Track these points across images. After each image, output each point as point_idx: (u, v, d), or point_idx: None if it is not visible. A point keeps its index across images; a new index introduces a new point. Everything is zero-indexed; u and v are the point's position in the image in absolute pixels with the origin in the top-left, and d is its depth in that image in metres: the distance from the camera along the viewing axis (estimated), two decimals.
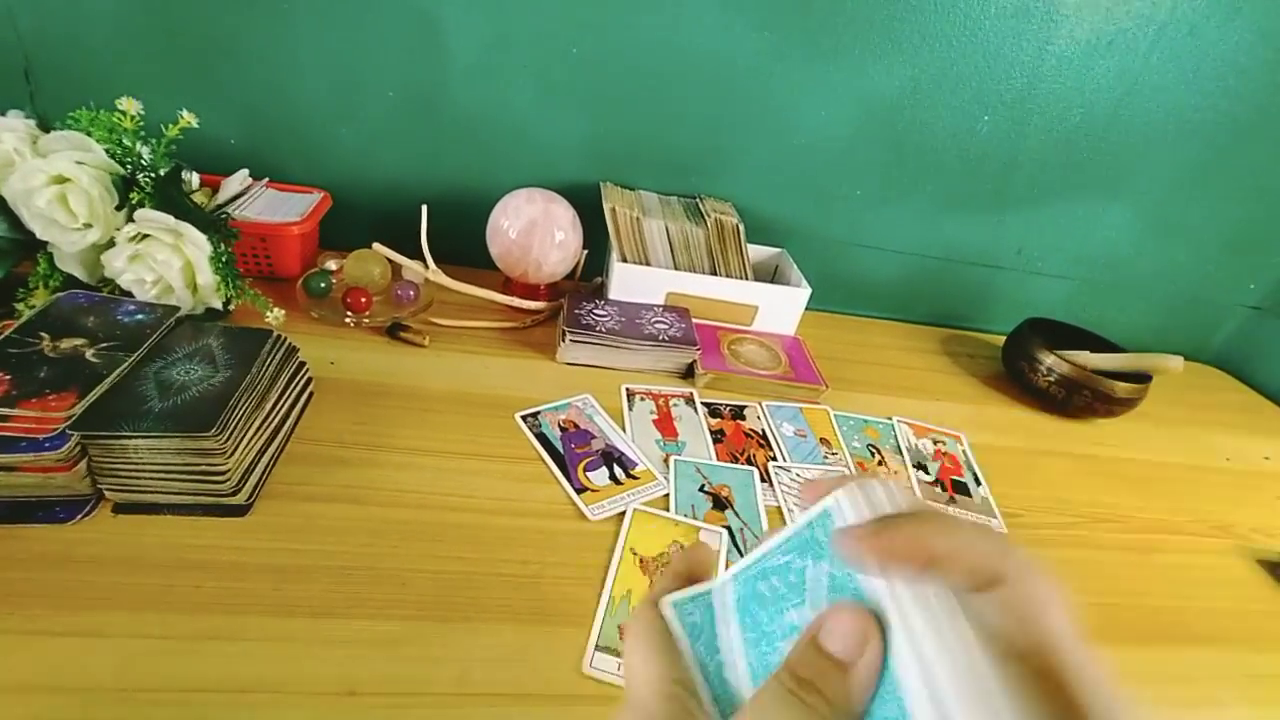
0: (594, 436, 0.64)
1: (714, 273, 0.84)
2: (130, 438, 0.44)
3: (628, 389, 0.71)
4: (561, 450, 0.61)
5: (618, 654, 0.45)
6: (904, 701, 0.15)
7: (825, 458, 0.68)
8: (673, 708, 0.18)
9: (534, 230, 0.76)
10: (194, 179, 0.72)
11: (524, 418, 0.64)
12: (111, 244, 0.60)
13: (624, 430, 0.66)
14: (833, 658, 0.16)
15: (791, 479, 0.64)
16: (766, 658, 0.19)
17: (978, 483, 0.70)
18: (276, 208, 0.77)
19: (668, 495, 0.59)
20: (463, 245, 0.82)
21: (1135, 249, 1.02)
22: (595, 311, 0.77)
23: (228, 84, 0.77)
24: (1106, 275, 1.05)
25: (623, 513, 0.56)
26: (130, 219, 0.60)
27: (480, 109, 0.82)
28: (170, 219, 0.60)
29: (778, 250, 0.93)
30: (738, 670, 0.19)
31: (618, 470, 0.60)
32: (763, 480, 0.63)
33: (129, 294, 0.61)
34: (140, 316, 0.55)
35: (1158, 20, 0.82)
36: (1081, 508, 0.70)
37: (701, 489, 0.60)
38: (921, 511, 0.17)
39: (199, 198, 0.70)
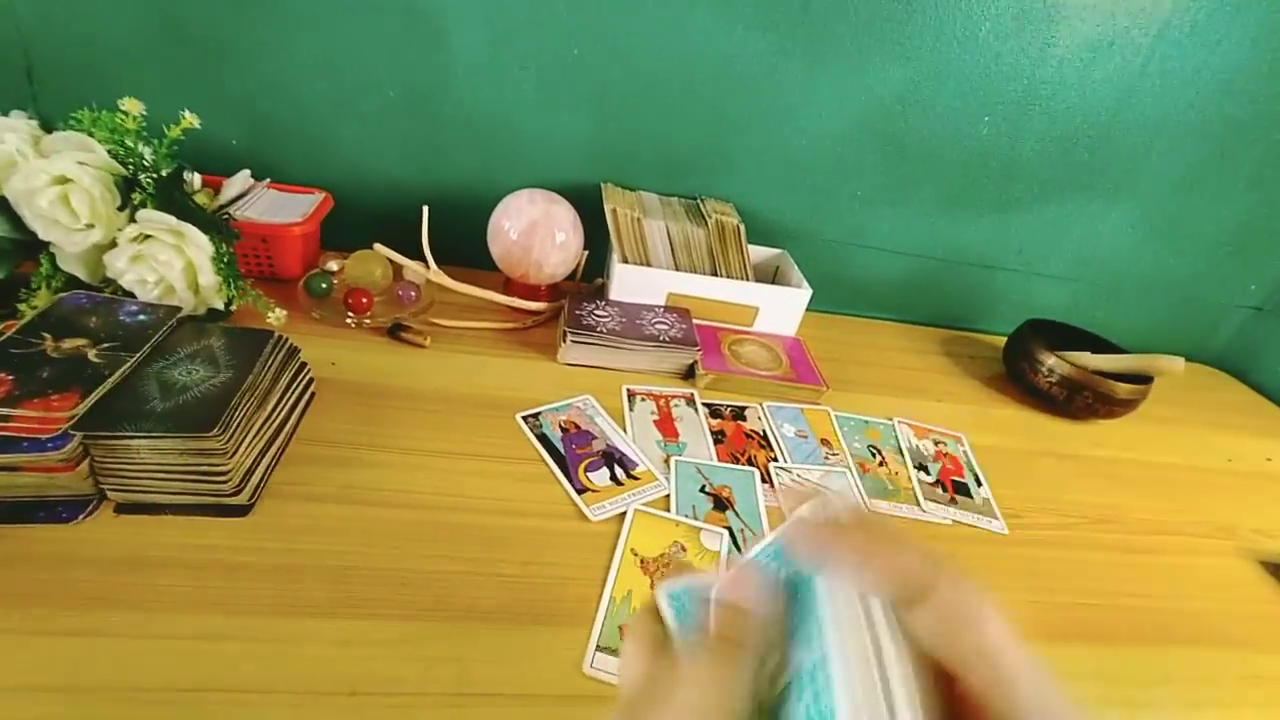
0: (595, 437, 0.64)
1: (715, 273, 0.84)
2: (132, 438, 0.44)
3: (629, 389, 0.71)
4: (562, 451, 0.61)
5: (618, 654, 0.45)
6: (832, 703, 0.16)
7: (826, 458, 0.68)
8: (650, 689, 0.20)
9: (535, 231, 0.77)
10: (196, 179, 0.72)
11: (525, 418, 0.64)
12: (113, 244, 0.60)
13: (625, 431, 0.66)
14: (730, 604, 0.20)
15: (793, 480, 0.64)
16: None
17: (978, 483, 0.70)
18: (278, 208, 0.77)
19: (668, 496, 0.59)
20: (464, 246, 0.82)
21: (1136, 250, 1.02)
22: (596, 312, 0.77)
23: (230, 85, 0.77)
24: (1107, 276, 1.05)
25: (623, 513, 0.56)
26: (132, 219, 0.60)
27: (482, 110, 0.82)
28: (172, 219, 0.60)
29: (778, 251, 0.93)
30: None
31: (618, 471, 0.60)
32: (764, 481, 0.63)
33: (131, 294, 0.61)
34: (142, 317, 0.55)
35: (1158, 21, 0.82)
36: (1082, 509, 0.70)
37: (702, 490, 0.60)
38: (872, 522, 0.20)
39: (201, 198, 0.70)
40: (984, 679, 0.16)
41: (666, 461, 0.63)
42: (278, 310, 0.67)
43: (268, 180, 0.81)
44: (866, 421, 0.76)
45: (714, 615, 0.20)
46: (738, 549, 0.55)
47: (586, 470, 0.59)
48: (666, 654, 0.21)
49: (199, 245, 0.61)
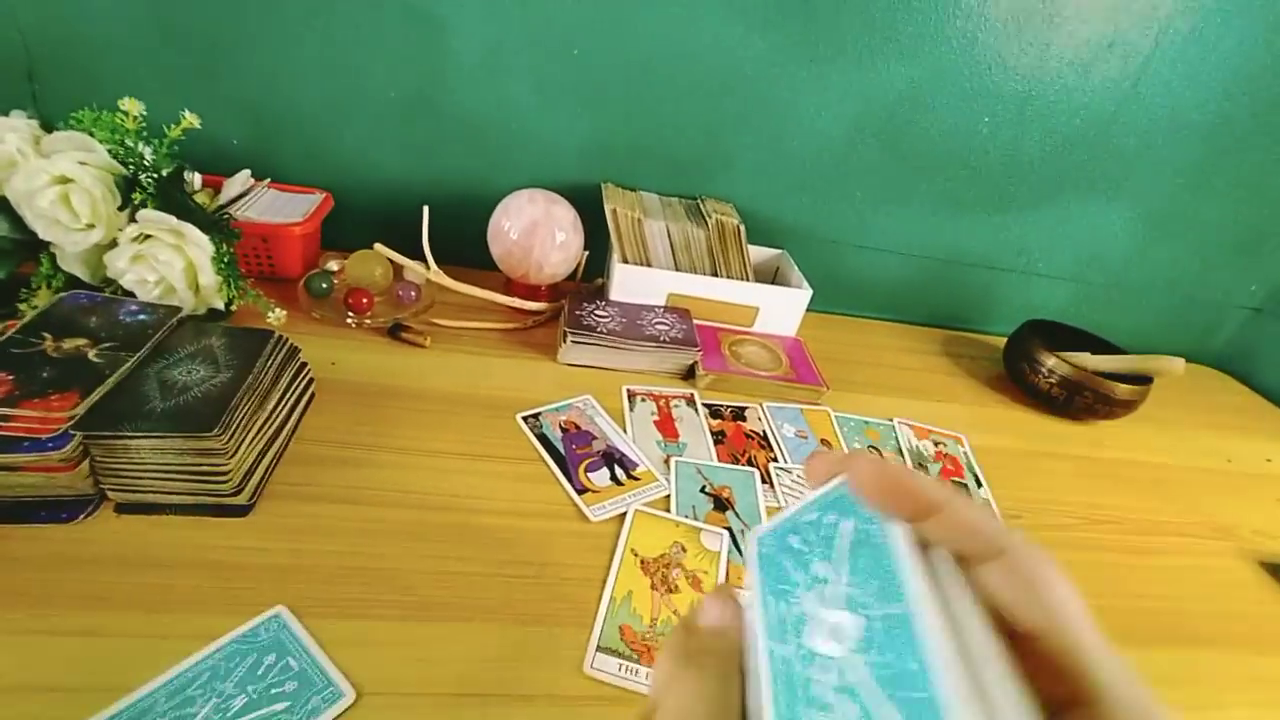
0: (595, 437, 0.64)
1: (715, 274, 0.84)
2: (132, 438, 0.44)
3: (629, 390, 0.71)
4: (563, 451, 0.61)
5: (618, 655, 0.45)
6: (923, 657, 0.15)
7: None
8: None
9: (535, 231, 0.77)
10: (196, 179, 0.72)
11: (525, 418, 0.64)
12: (114, 244, 0.60)
13: (625, 431, 0.66)
14: (706, 629, 0.19)
15: (793, 480, 0.64)
16: (788, 609, 0.19)
17: (978, 484, 0.70)
18: (278, 208, 0.77)
19: (669, 496, 0.59)
20: (464, 246, 0.82)
21: (1136, 250, 1.02)
22: (596, 312, 0.77)
23: (230, 85, 0.77)
24: (1107, 277, 1.05)
25: (624, 514, 0.56)
26: (133, 219, 0.60)
27: (482, 110, 0.82)
28: (172, 219, 0.60)
29: (778, 251, 0.93)
30: (755, 627, 0.20)
31: (619, 471, 0.60)
32: (764, 481, 0.63)
33: (131, 294, 0.61)
34: (142, 317, 0.55)
35: (1158, 22, 0.82)
36: (1082, 509, 0.70)
37: (702, 490, 0.60)
38: (930, 477, 0.19)
39: (201, 198, 0.70)
40: (1064, 639, 0.16)
41: (666, 462, 0.63)
42: (278, 310, 0.67)
43: (268, 180, 0.81)
44: (866, 422, 0.76)
45: (678, 637, 0.19)
46: (738, 550, 0.55)
47: (587, 470, 0.59)
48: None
49: (199, 245, 0.61)
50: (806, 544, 0.20)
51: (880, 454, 0.71)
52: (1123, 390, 0.81)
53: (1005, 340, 0.92)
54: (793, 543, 0.20)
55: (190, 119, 0.62)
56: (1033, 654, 0.16)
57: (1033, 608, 0.16)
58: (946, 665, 0.14)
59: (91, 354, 0.49)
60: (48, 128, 0.60)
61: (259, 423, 0.50)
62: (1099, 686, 0.15)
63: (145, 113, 0.61)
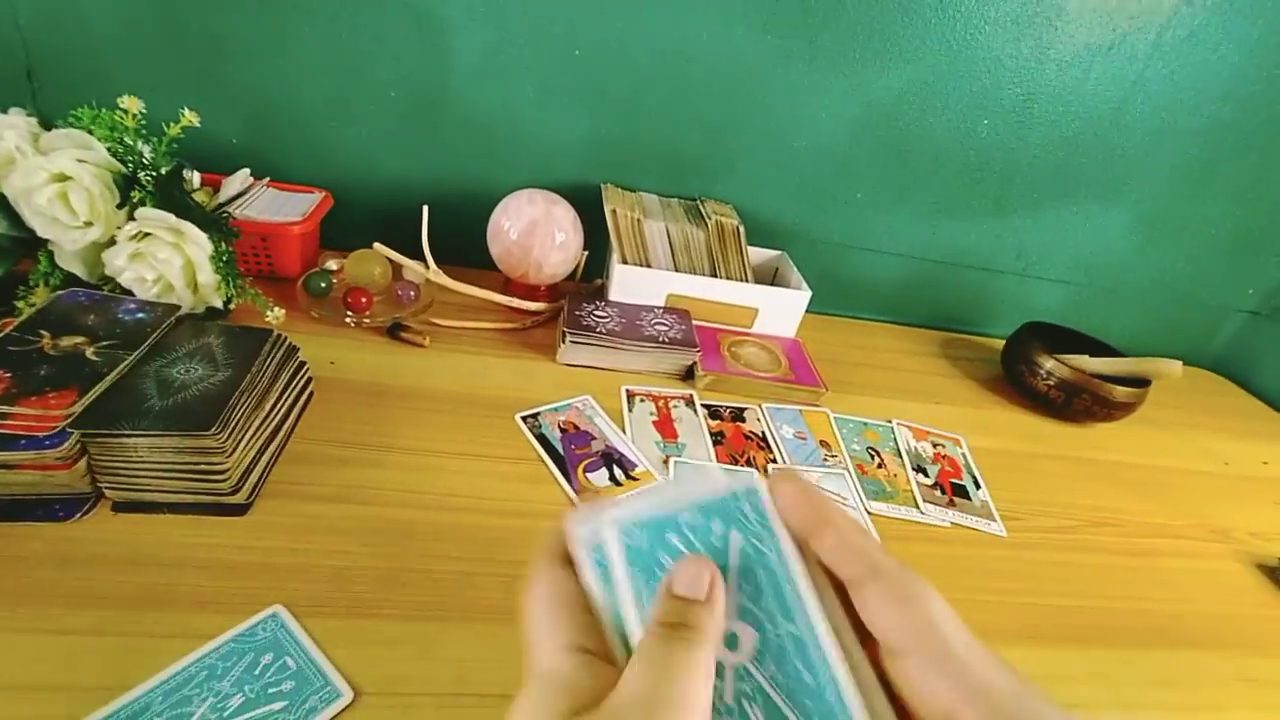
0: (594, 438, 0.64)
1: (714, 275, 0.84)
2: (130, 436, 0.44)
3: (628, 390, 0.71)
4: (561, 451, 0.61)
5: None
6: (821, 674, 0.18)
7: (825, 460, 0.68)
8: (581, 661, 0.18)
9: (535, 231, 0.77)
10: (195, 178, 0.72)
11: (524, 418, 0.64)
12: (112, 242, 0.60)
13: (624, 431, 0.66)
14: (685, 599, 0.19)
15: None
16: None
17: (977, 486, 0.70)
18: (277, 207, 0.77)
19: None
20: (464, 246, 0.82)
21: (1134, 253, 1.02)
22: (596, 313, 0.77)
23: (230, 83, 0.77)
24: (1105, 279, 1.05)
25: None
26: (131, 217, 0.60)
27: (482, 110, 0.82)
28: (171, 218, 0.60)
29: (778, 253, 0.93)
30: (630, 615, 0.20)
31: (617, 471, 0.60)
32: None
33: (129, 292, 0.61)
34: (140, 315, 0.55)
35: (1157, 26, 0.82)
36: (1080, 511, 0.70)
37: None
38: (832, 503, 0.21)
39: (200, 197, 0.70)
40: (933, 651, 0.17)
41: (665, 462, 0.63)
42: (276, 309, 0.67)
43: (267, 179, 0.81)
44: (865, 423, 0.76)
45: (663, 607, 0.19)
46: None
47: (585, 471, 0.59)
48: (586, 620, 0.20)
49: (198, 243, 0.61)
50: (690, 547, 0.20)
51: (879, 456, 0.71)
52: (1120, 393, 0.81)
53: (1004, 342, 0.92)
54: (673, 542, 0.20)
55: (190, 117, 0.62)
56: (903, 670, 0.18)
57: (905, 627, 0.18)
58: (844, 681, 0.18)
59: (89, 352, 0.49)
60: (46, 125, 0.60)
61: (257, 422, 0.50)
62: (966, 701, 0.17)
63: (144, 111, 0.61)
